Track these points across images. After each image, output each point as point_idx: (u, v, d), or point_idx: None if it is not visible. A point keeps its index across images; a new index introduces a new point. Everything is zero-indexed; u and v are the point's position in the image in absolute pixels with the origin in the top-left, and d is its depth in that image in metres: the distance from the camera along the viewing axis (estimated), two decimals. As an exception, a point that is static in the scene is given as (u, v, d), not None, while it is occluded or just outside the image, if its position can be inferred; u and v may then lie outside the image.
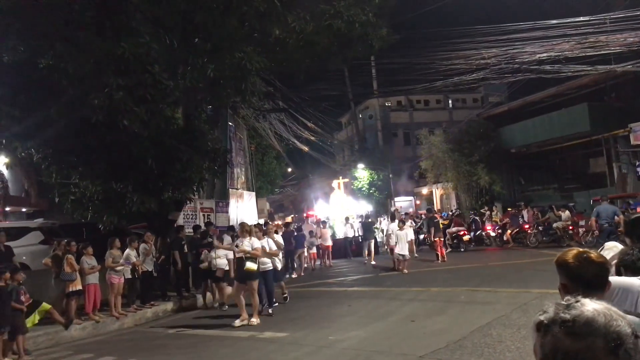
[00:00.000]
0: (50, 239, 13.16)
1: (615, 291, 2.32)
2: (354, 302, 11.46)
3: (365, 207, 28.78)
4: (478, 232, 22.14)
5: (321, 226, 19.88)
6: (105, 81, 10.25)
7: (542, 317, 1.25)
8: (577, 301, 1.23)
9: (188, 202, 14.06)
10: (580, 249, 2.22)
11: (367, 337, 8.05)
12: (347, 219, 22.36)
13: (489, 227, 22.30)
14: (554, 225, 19.34)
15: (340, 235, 22.79)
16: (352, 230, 21.97)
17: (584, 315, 1.18)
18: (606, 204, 14.67)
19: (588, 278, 2.08)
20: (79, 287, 10.15)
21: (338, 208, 25.64)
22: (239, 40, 11.94)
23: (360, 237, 20.78)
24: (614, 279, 2.32)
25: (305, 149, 32.12)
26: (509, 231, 20.80)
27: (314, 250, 19.17)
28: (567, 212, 19.37)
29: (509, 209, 23.13)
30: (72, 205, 12.40)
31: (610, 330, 1.15)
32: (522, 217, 21.13)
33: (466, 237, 21.03)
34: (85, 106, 10.52)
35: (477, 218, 23.05)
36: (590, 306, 1.20)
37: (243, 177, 23.54)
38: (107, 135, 11.47)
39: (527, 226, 20.21)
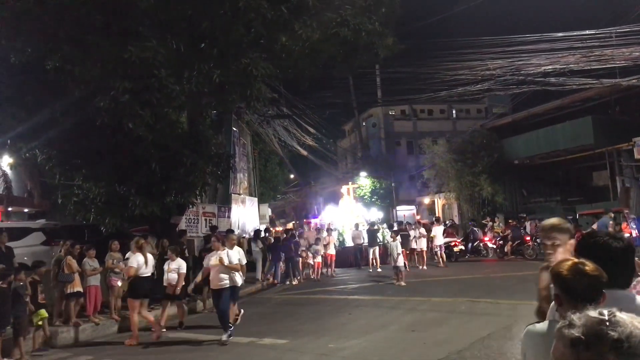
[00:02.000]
0: (52, 240, 13.20)
1: None
2: (355, 310, 11.43)
3: (376, 214, 28.48)
4: (476, 243, 22.24)
5: (325, 233, 19.72)
6: (111, 84, 10.30)
7: (576, 332, 1.21)
8: (613, 315, 1.19)
9: (190, 206, 14.08)
10: (577, 260, 2.19)
11: (367, 346, 8.03)
12: (357, 225, 21.74)
13: (486, 238, 22.38)
14: None
15: (349, 242, 22.49)
16: (362, 237, 21.04)
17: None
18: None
19: (580, 290, 2.06)
20: (78, 288, 10.15)
21: (347, 214, 25.28)
22: (245, 46, 11.97)
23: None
24: None
25: (305, 153, 32.01)
26: (510, 243, 20.81)
27: (319, 259, 18.23)
28: None
29: (509, 221, 23.14)
30: (75, 206, 12.43)
31: None
32: (525, 228, 21.13)
33: (457, 248, 21.19)
34: (91, 108, 10.57)
35: (475, 229, 23.12)
36: (629, 321, 1.17)
37: (246, 183, 23.55)
38: (111, 138, 11.52)
39: (528, 238, 20.22)
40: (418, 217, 31.59)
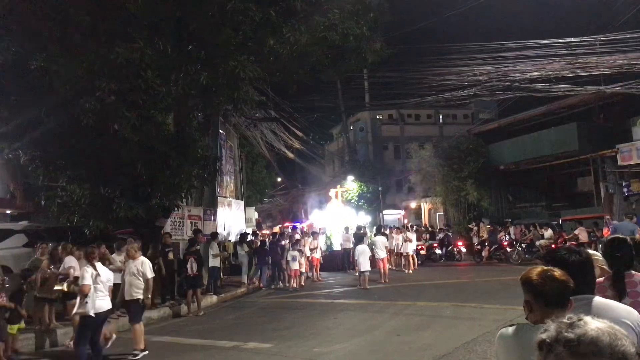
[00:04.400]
0: (35, 242, 13.02)
1: None
2: (340, 314, 11.41)
3: (363, 218, 28.51)
4: (450, 248, 22.82)
5: (311, 237, 19.66)
6: (97, 85, 10.21)
7: (544, 336, 1.24)
8: (579, 319, 1.22)
9: (176, 209, 13.99)
10: (545, 267, 2.26)
11: (352, 350, 8.02)
12: (347, 229, 21.58)
13: (459, 242, 23.17)
14: (537, 243, 19.60)
15: (337, 246, 22.46)
16: (351, 241, 20.55)
17: (589, 335, 1.17)
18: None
19: (550, 295, 2.14)
20: (46, 294, 9.91)
21: (336, 218, 25.23)
22: (233, 49, 11.94)
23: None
24: None
25: (291, 155, 31.92)
26: (487, 247, 21.20)
27: (296, 266, 16.57)
28: (550, 230, 19.63)
29: (487, 226, 23.51)
30: (59, 208, 12.28)
31: (616, 350, 1.14)
32: (509, 233, 21.37)
33: (423, 252, 22.03)
34: (76, 109, 10.45)
35: (449, 234, 23.96)
36: (593, 325, 1.20)
37: (232, 186, 23.46)
38: (96, 140, 11.40)
39: (505, 243, 20.60)
40: (406, 221, 31.74)
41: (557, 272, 2.18)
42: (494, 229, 22.18)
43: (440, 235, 24.69)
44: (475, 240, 22.91)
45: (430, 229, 26.74)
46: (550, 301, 2.12)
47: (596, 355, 1.14)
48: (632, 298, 3.06)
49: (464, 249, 22.97)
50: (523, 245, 20.22)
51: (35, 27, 10.58)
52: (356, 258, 15.73)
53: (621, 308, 2.40)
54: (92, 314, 7.34)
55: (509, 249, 20.51)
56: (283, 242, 17.97)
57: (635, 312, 2.35)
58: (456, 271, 19.48)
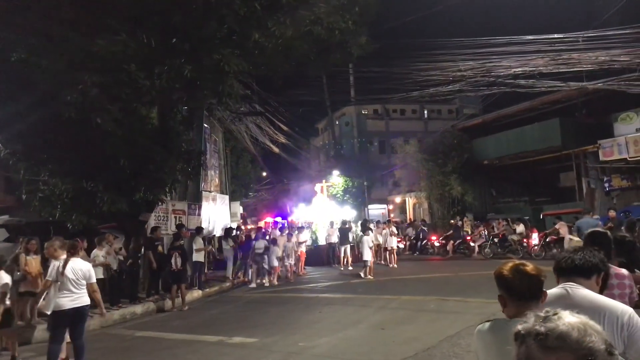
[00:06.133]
0: (15, 236, 12.84)
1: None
2: (325, 308, 11.43)
3: (349, 212, 28.55)
4: (424, 242, 23.23)
5: (297, 231, 19.66)
6: (79, 78, 10.08)
7: (520, 327, 1.27)
8: (555, 313, 1.25)
9: (160, 203, 13.89)
10: (517, 262, 2.29)
11: (337, 344, 8.03)
12: (332, 223, 21.51)
13: (433, 237, 23.94)
14: (509, 237, 19.91)
15: (322, 241, 22.48)
16: (336, 235, 20.41)
17: (558, 330, 1.19)
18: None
19: (521, 290, 2.16)
20: (29, 288, 9.72)
21: (321, 212, 25.22)
22: (218, 42, 11.86)
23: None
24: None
25: (276, 149, 31.77)
26: (452, 242, 21.79)
27: (276, 263, 16.51)
28: (522, 225, 19.93)
29: (451, 221, 23.93)
30: (40, 203, 12.12)
31: (582, 346, 1.16)
32: (493, 227, 21.65)
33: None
34: (58, 102, 10.31)
35: (424, 228, 24.66)
36: (566, 320, 1.22)
37: (217, 180, 23.30)
38: (79, 133, 11.27)
39: (468, 238, 21.53)
40: (393, 216, 31.91)
41: (529, 267, 2.20)
42: (455, 223, 22.93)
43: (410, 230, 25.39)
44: (433, 235, 23.74)
45: (395, 223, 26.70)
46: (522, 295, 2.15)
47: (563, 350, 1.17)
48: (607, 290, 3.11)
49: (437, 244, 23.51)
50: (495, 240, 20.58)
51: (15, 18, 10.40)
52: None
53: (618, 305, 2.35)
54: (47, 312, 6.92)
55: (472, 244, 21.22)
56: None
57: (628, 311, 2.31)
58: (440, 265, 19.61)
